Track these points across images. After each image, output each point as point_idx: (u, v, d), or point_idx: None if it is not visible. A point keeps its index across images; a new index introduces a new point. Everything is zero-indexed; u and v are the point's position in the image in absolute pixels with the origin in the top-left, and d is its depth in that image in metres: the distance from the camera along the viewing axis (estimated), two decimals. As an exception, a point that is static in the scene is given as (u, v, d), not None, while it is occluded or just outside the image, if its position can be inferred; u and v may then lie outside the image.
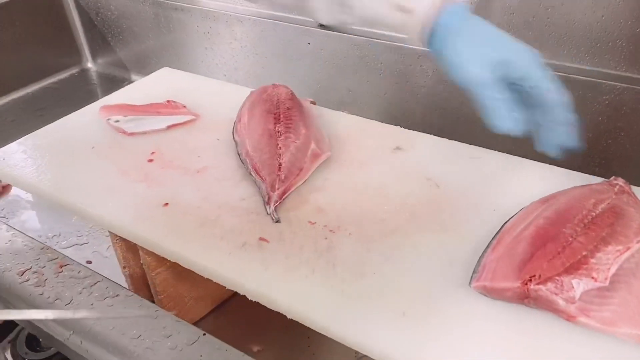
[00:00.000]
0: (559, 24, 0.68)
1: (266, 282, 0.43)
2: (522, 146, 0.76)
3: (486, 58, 0.44)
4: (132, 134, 0.62)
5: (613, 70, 0.67)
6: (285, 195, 0.51)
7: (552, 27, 0.68)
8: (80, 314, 0.46)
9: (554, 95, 0.46)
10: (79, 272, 0.51)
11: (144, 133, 0.62)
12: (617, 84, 0.66)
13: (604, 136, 0.70)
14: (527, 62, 0.45)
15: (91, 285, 0.49)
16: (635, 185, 0.52)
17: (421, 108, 0.83)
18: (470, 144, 0.60)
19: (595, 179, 0.53)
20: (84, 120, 0.67)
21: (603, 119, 0.69)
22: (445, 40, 0.46)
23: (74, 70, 1.19)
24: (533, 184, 0.53)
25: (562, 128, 0.47)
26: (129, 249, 0.55)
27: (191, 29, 1.01)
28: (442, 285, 0.42)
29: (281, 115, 0.58)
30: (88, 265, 0.67)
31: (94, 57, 1.19)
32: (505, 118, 0.44)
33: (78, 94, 1.12)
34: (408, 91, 0.82)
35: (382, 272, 0.43)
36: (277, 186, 0.51)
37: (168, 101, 0.67)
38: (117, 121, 0.64)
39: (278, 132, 0.56)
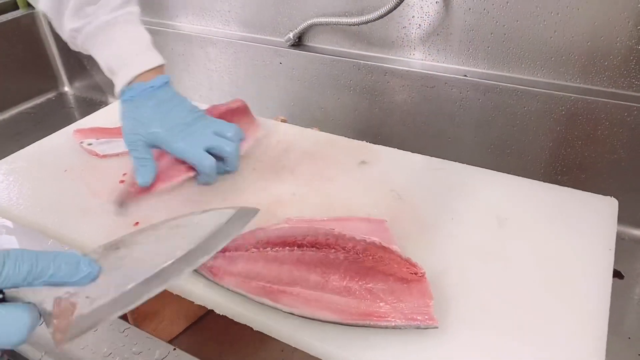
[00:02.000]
0: (515, 40, 0.71)
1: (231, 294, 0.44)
2: (485, 157, 0.79)
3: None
4: (104, 156, 0.63)
5: (567, 82, 0.71)
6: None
7: (509, 42, 0.72)
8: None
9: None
10: (51, 293, 0.51)
11: (117, 155, 0.64)
12: (571, 95, 0.69)
13: (562, 145, 0.73)
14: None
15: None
16: (593, 191, 0.55)
17: (390, 123, 0.85)
18: (437, 156, 0.62)
19: (556, 187, 0.56)
20: (58, 144, 0.68)
21: (561, 129, 0.72)
22: (129, 108, 0.55)
23: (51, 95, 1.20)
24: (493, 193, 0.55)
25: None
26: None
27: (166, 51, 1.03)
28: (402, 293, 0.44)
29: None
30: (64, 287, 0.67)
31: (71, 81, 1.20)
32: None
33: (55, 118, 1.13)
34: (377, 107, 0.85)
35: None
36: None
37: (141, 123, 0.68)
38: (90, 144, 0.65)
39: None
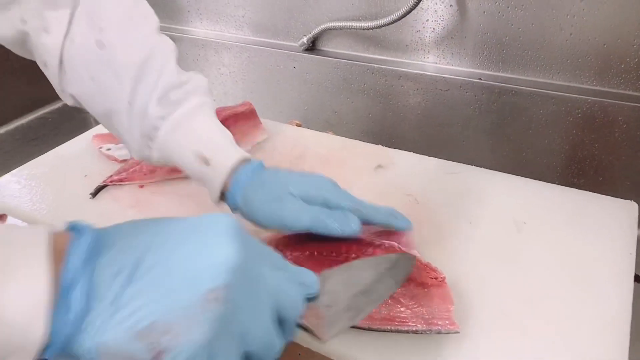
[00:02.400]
0: (530, 42, 0.71)
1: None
2: (501, 161, 0.79)
3: (285, 197, 0.44)
4: (123, 160, 0.64)
5: (583, 84, 0.70)
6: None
7: (524, 46, 0.72)
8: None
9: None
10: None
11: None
12: (587, 97, 0.69)
13: (579, 148, 0.72)
14: (320, 186, 0.46)
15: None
16: (610, 194, 0.55)
17: (404, 127, 0.85)
18: (451, 160, 0.62)
19: (574, 191, 0.55)
20: (78, 149, 0.69)
21: (577, 132, 0.71)
22: (242, 195, 0.45)
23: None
24: (510, 197, 0.55)
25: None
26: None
27: (181, 56, 1.03)
28: (421, 297, 0.44)
29: None
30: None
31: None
32: (332, 221, 0.44)
33: (72, 123, 1.14)
34: (391, 111, 0.85)
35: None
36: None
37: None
38: (109, 149, 0.66)
39: None
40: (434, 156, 0.63)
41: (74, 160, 0.67)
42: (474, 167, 0.61)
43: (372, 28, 0.79)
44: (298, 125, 0.75)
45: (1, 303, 0.24)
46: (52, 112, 1.17)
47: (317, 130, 0.74)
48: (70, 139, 0.72)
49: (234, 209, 0.47)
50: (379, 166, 0.62)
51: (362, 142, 0.67)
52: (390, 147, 0.66)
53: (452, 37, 0.76)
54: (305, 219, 0.43)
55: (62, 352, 0.26)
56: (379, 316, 0.39)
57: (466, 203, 0.54)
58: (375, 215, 0.46)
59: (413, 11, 0.73)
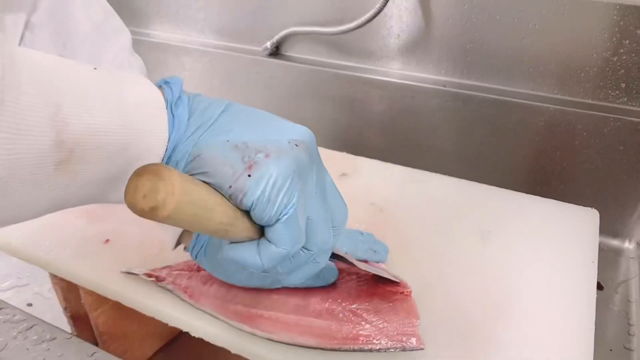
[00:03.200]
0: (494, 50, 0.71)
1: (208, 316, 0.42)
2: (466, 168, 0.79)
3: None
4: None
5: (545, 93, 0.71)
6: None
7: (487, 53, 0.72)
8: (14, 361, 0.43)
9: None
10: (14, 315, 0.48)
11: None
12: (549, 105, 0.69)
13: (542, 155, 0.73)
14: None
15: (27, 329, 0.47)
16: (573, 201, 0.55)
17: (370, 133, 0.84)
18: (417, 167, 0.61)
19: (537, 199, 0.55)
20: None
21: (540, 140, 0.72)
22: None
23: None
24: (475, 205, 0.55)
25: None
26: (70, 289, 0.53)
27: (140, 60, 1.00)
28: (386, 310, 0.43)
29: None
30: (29, 307, 0.64)
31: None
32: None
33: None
34: (357, 117, 0.84)
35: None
36: None
37: (112, 134, 0.66)
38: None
39: None
40: (400, 163, 0.62)
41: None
42: (439, 175, 0.60)
43: (337, 34, 0.78)
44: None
45: (128, 111, 0.27)
46: None
47: (280, 137, 0.73)
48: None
49: None
50: (344, 174, 0.60)
51: (326, 149, 0.66)
52: (356, 153, 0.64)
53: (416, 44, 0.76)
54: None
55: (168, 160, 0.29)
56: (341, 335, 0.37)
57: (431, 212, 0.53)
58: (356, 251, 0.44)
59: (377, 17, 0.72)
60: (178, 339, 0.58)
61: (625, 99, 0.67)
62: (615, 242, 0.74)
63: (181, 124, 0.30)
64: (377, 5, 0.70)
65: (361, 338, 0.37)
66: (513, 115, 0.72)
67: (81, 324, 0.55)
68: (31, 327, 0.47)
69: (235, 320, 0.39)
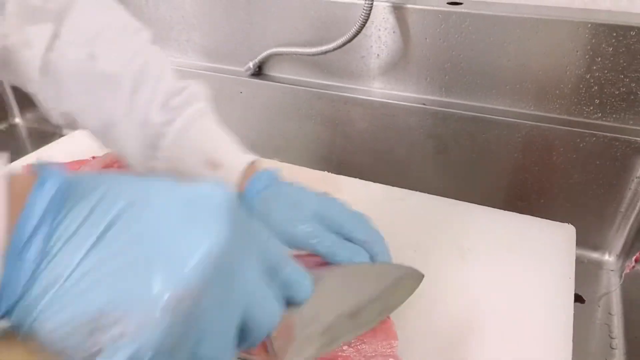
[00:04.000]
0: (471, 68, 0.73)
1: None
2: (445, 185, 0.80)
3: (301, 217, 0.42)
4: (53, 193, 0.60)
5: (522, 109, 0.72)
6: None
7: (465, 72, 0.73)
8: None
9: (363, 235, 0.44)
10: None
11: (67, 191, 0.61)
12: (527, 122, 0.71)
13: (520, 171, 0.74)
14: (337, 212, 0.44)
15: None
16: (551, 217, 0.56)
17: (352, 152, 0.85)
18: (398, 184, 0.62)
19: (516, 215, 0.56)
20: (4, 181, 0.64)
21: (518, 156, 0.73)
22: (259, 204, 0.43)
23: (1, 126, 1.15)
24: (455, 223, 0.55)
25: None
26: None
27: (123, 81, 1.00)
28: (365, 331, 0.43)
29: None
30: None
31: (22, 112, 1.16)
32: (344, 253, 0.41)
33: (6, 151, 1.08)
34: (339, 136, 0.85)
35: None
36: None
37: (93, 157, 0.66)
38: (38, 180, 0.62)
39: None
40: (381, 181, 0.63)
41: (-2, 192, 0.62)
42: (419, 192, 0.61)
43: (318, 54, 0.79)
44: (243, 151, 0.73)
45: None
46: (-17, 139, 1.11)
47: (264, 155, 0.73)
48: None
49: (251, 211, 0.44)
50: (325, 193, 0.61)
51: (308, 168, 0.66)
52: (338, 172, 0.65)
53: (396, 63, 0.77)
54: (317, 246, 0.41)
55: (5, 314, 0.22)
56: (319, 358, 0.37)
57: (411, 230, 0.54)
58: (383, 256, 0.44)
59: (357, 37, 0.74)
60: None
61: (600, 114, 0.69)
62: (595, 255, 0.75)
63: (27, 275, 0.22)
64: (356, 26, 0.71)
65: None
66: (491, 131, 0.73)
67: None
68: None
69: None
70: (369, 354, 0.37)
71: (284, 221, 0.42)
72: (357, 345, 0.38)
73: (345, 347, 0.38)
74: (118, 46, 0.44)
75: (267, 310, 0.27)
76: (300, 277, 0.31)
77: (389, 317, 0.40)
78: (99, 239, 0.23)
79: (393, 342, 0.38)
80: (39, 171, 0.25)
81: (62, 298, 0.22)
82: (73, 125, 0.48)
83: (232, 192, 0.26)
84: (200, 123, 0.45)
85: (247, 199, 0.44)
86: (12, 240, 0.22)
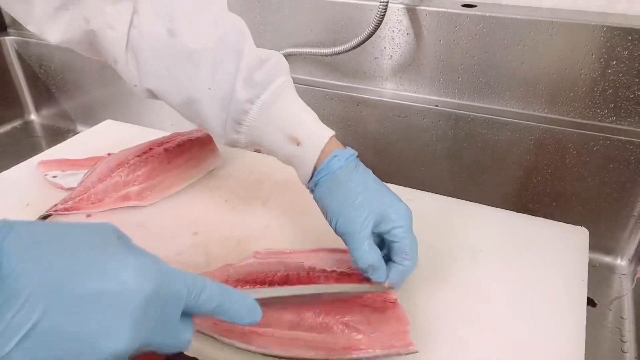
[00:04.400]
0: (484, 70, 0.73)
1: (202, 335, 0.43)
2: (457, 187, 0.80)
3: (368, 214, 0.43)
4: (69, 189, 0.61)
5: (536, 112, 0.72)
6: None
7: (478, 73, 0.73)
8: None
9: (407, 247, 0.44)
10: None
11: (83, 188, 0.61)
12: (539, 124, 0.71)
13: (533, 174, 0.74)
14: (397, 217, 0.44)
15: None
16: (563, 219, 0.56)
17: (363, 152, 0.85)
18: (409, 186, 0.62)
19: (528, 218, 0.56)
20: (22, 175, 0.65)
21: (531, 158, 0.73)
22: (329, 187, 0.44)
23: (16, 123, 1.16)
24: (467, 224, 0.55)
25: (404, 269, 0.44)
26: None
27: (137, 80, 1.01)
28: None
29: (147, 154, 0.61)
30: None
31: (38, 108, 1.17)
32: (372, 257, 0.42)
33: (21, 147, 1.09)
34: (350, 136, 0.85)
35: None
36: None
37: (108, 154, 0.66)
38: (54, 176, 0.63)
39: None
40: (392, 182, 0.63)
41: (17, 187, 0.63)
42: (430, 193, 0.61)
43: (331, 55, 0.79)
44: (257, 151, 0.74)
45: None
46: (0, 136, 1.12)
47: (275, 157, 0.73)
48: (18, 163, 0.68)
49: (315, 189, 0.46)
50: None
51: (320, 168, 0.67)
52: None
53: (409, 65, 0.77)
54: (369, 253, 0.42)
55: None
56: (336, 347, 0.38)
57: (423, 231, 0.54)
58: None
59: (371, 39, 0.74)
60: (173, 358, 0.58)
61: (614, 118, 0.68)
62: (607, 259, 0.75)
63: None
64: (370, 27, 0.72)
65: (356, 348, 0.38)
66: (504, 133, 0.73)
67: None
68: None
69: (229, 338, 0.40)
70: (383, 340, 0.38)
71: (340, 213, 0.43)
72: (370, 333, 0.38)
73: (360, 336, 0.38)
74: (196, 20, 0.45)
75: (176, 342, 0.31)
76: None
77: (398, 304, 0.41)
78: (21, 341, 0.24)
79: (406, 326, 0.39)
80: None
81: None
82: (159, 99, 0.48)
83: (145, 285, 0.27)
84: (282, 99, 0.46)
85: (320, 176, 0.45)
86: None
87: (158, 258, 0.31)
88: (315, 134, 0.45)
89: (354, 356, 0.38)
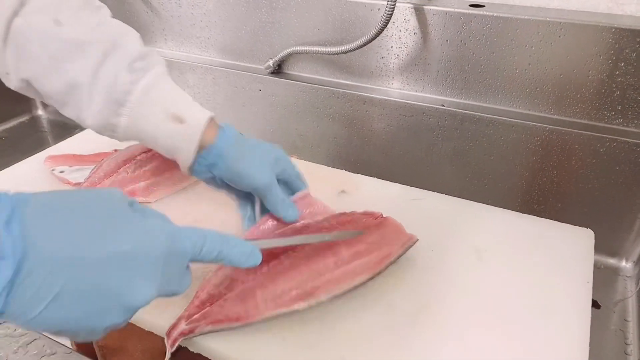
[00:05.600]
0: (491, 71, 0.73)
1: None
2: (463, 187, 0.80)
3: (267, 165, 0.50)
4: (77, 184, 0.62)
5: (542, 113, 0.72)
6: None
7: (485, 73, 0.73)
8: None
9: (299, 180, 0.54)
10: (15, 330, 0.49)
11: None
12: (546, 125, 0.70)
13: (539, 175, 0.74)
14: (284, 158, 0.52)
15: (27, 344, 0.48)
16: (569, 221, 0.56)
17: (369, 151, 0.86)
18: (415, 185, 0.62)
19: (534, 219, 0.56)
20: (29, 171, 0.66)
21: (537, 159, 0.73)
22: (226, 157, 0.48)
23: (24, 118, 1.17)
24: (472, 224, 0.55)
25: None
26: (71, 303, 0.53)
27: (144, 76, 1.02)
28: (381, 329, 0.43)
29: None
30: (30, 320, 0.64)
31: (45, 104, 1.18)
32: (290, 208, 0.50)
33: (28, 142, 1.10)
34: (356, 135, 0.85)
35: (322, 318, 0.44)
36: None
37: (115, 150, 0.67)
38: (62, 172, 0.63)
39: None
40: (398, 181, 0.63)
41: (24, 182, 0.64)
42: (436, 193, 0.61)
43: (338, 53, 0.79)
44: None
45: None
46: (6, 131, 1.13)
47: (281, 153, 0.74)
48: (26, 158, 0.69)
49: (209, 169, 0.49)
50: (343, 191, 0.61)
51: (326, 166, 0.67)
52: (355, 171, 0.65)
53: (415, 64, 0.77)
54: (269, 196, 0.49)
55: None
56: (372, 264, 0.46)
57: (428, 230, 0.54)
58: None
59: (378, 38, 0.74)
60: (177, 354, 0.58)
61: (621, 120, 0.68)
62: (612, 261, 0.75)
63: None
64: (378, 26, 0.72)
65: (384, 259, 0.47)
66: (510, 134, 0.73)
67: (81, 338, 0.55)
68: (32, 342, 0.48)
69: (300, 303, 0.43)
70: (396, 245, 0.48)
71: (251, 170, 0.49)
72: (385, 246, 0.48)
73: (384, 248, 0.48)
74: (82, 15, 0.48)
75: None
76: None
77: (387, 217, 0.52)
78: (51, 302, 0.28)
79: (402, 227, 0.51)
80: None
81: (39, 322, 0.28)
82: (28, 93, 0.51)
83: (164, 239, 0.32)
84: (162, 83, 0.49)
85: (220, 148, 0.48)
86: None
87: (166, 217, 0.36)
88: (198, 112, 0.48)
89: (385, 265, 0.46)
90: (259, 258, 0.38)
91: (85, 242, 0.29)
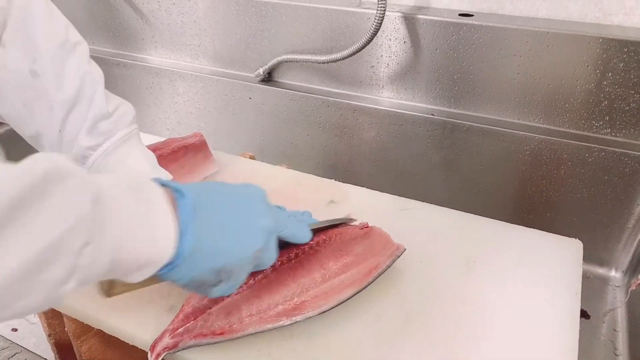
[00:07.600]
0: (480, 80, 0.73)
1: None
2: (452, 196, 0.80)
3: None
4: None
5: (531, 122, 0.72)
6: None
7: (474, 83, 0.73)
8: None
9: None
10: (-4, 344, 0.48)
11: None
12: (535, 135, 0.71)
13: (528, 184, 0.74)
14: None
15: (10, 357, 0.47)
16: (558, 230, 0.56)
17: (359, 160, 0.85)
18: (404, 194, 0.62)
19: (523, 229, 0.56)
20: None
21: (526, 168, 0.73)
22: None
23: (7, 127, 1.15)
24: (460, 234, 0.55)
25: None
26: (54, 316, 0.52)
27: (134, 84, 1.01)
28: (369, 340, 0.43)
29: None
30: (14, 333, 0.63)
31: None
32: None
33: (20, 150, 1.09)
34: (346, 144, 0.85)
35: (310, 331, 0.43)
36: None
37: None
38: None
39: None
40: (387, 191, 0.62)
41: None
42: (426, 203, 0.61)
43: (328, 62, 0.79)
44: (251, 157, 0.74)
45: (154, 237, 0.33)
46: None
47: (272, 161, 0.73)
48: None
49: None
50: (332, 201, 0.61)
51: (315, 176, 0.66)
52: (345, 180, 0.65)
53: (405, 73, 0.77)
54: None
55: (169, 272, 0.35)
56: (360, 276, 0.45)
57: (418, 241, 0.54)
58: None
59: (368, 46, 0.74)
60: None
61: (609, 130, 0.69)
62: (601, 271, 0.75)
63: (184, 250, 0.35)
64: (368, 35, 0.72)
65: (372, 271, 0.46)
66: (499, 143, 0.73)
67: (65, 351, 0.54)
68: (14, 355, 0.47)
69: (283, 319, 0.42)
70: (384, 255, 0.48)
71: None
72: (372, 256, 0.47)
73: (370, 259, 0.47)
74: (57, 65, 0.48)
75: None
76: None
77: (372, 227, 0.51)
78: (218, 230, 0.37)
79: (389, 236, 0.50)
80: (172, 187, 0.36)
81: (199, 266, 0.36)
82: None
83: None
84: (122, 149, 0.50)
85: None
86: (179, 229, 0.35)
87: (278, 211, 0.46)
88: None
89: (373, 277, 0.46)
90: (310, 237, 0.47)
91: (232, 218, 0.38)
